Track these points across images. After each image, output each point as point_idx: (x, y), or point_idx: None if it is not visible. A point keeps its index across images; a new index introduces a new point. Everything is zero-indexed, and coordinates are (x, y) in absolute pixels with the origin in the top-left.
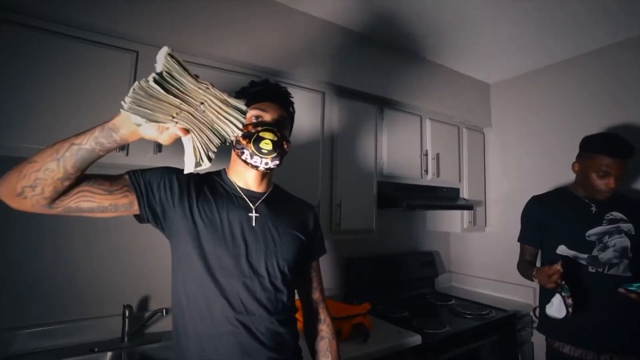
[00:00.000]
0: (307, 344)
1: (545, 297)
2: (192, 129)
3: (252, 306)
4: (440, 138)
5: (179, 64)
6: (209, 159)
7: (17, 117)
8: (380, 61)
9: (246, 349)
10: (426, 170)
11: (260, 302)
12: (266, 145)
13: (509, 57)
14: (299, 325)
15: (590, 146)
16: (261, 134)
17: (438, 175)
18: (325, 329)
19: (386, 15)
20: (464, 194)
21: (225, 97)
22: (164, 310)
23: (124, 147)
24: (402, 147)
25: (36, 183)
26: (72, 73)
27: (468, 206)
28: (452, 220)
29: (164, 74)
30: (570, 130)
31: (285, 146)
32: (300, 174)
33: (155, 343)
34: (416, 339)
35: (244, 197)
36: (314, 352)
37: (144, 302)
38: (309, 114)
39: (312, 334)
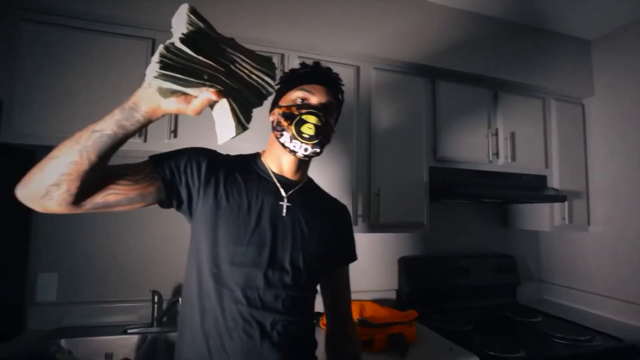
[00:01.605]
0: (326, 358)
1: None
2: (226, 90)
3: (270, 302)
4: (517, 114)
5: (203, 20)
6: (248, 121)
7: (46, 108)
8: (428, 20)
9: (257, 350)
10: (496, 153)
11: (279, 298)
12: (308, 130)
13: None
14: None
15: None
16: (304, 117)
17: (513, 159)
18: (348, 349)
19: None
20: (554, 182)
21: (253, 51)
22: (179, 299)
23: (141, 134)
24: (461, 126)
25: (61, 180)
26: (93, 64)
27: (558, 197)
28: (538, 216)
29: (190, 33)
30: None
31: (329, 135)
32: (329, 156)
33: None
34: None
35: (277, 183)
36: None
37: (178, 290)
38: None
39: (334, 350)
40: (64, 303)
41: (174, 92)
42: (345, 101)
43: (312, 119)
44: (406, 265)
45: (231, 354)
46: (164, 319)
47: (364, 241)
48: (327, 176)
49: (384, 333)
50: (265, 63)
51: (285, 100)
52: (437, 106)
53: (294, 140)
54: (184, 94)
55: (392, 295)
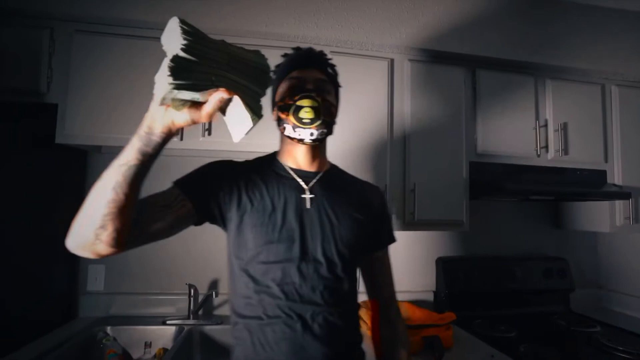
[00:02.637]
0: (374, 350)
1: None
2: (234, 87)
3: (308, 295)
4: (570, 102)
5: (194, 28)
6: (260, 110)
7: (95, 111)
8: (464, 5)
9: (299, 342)
10: (545, 147)
11: (317, 290)
12: (307, 114)
13: None
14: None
15: None
16: (299, 103)
17: (566, 153)
18: (394, 334)
19: None
20: (616, 177)
21: (242, 47)
22: (214, 292)
23: (178, 132)
24: (505, 118)
25: (105, 221)
26: (136, 69)
27: (621, 194)
28: (596, 216)
29: (188, 42)
30: None
31: (332, 112)
32: (362, 151)
33: (217, 325)
34: None
35: (296, 178)
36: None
37: (213, 284)
38: (372, 84)
39: (378, 338)
40: (111, 293)
41: (184, 104)
42: (379, 94)
43: (306, 102)
44: (445, 266)
45: (275, 347)
46: (200, 312)
47: (398, 239)
48: (358, 171)
49: (417, 335)
50: (255, 55)
51: (279, 95)
52: (477, 97)
53: (297, 129)
54: (194, 103)
55: (430, 296)
